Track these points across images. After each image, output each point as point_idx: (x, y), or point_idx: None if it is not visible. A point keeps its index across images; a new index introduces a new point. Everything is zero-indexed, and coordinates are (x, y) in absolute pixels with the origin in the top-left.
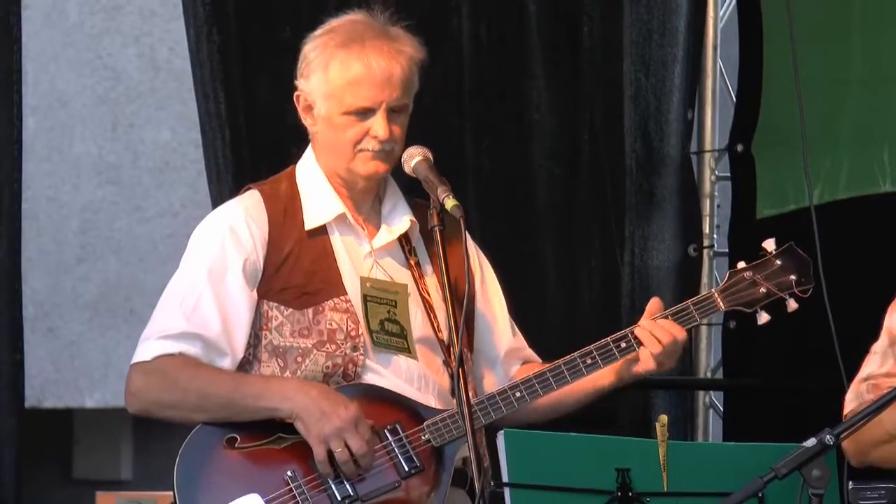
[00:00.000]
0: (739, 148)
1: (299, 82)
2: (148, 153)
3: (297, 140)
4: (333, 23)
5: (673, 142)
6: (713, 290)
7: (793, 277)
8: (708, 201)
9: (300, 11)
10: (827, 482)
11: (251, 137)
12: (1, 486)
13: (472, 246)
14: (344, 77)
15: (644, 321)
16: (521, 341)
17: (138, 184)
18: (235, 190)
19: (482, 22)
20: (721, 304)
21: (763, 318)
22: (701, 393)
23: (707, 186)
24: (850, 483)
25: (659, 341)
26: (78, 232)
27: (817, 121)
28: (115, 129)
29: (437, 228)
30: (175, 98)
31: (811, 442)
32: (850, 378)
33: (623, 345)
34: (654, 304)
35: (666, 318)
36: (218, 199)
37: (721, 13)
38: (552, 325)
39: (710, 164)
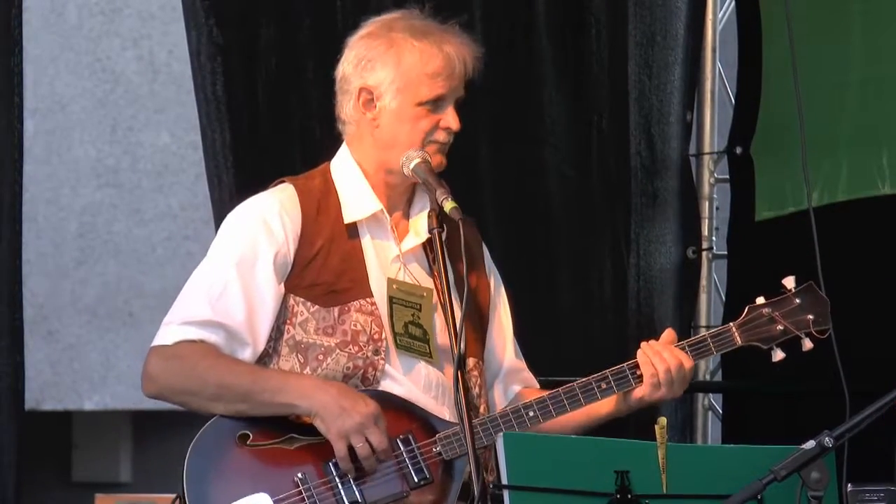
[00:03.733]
0: (738, 150)
1: (360, 77)
2: (147, 156)
3: (301, 141)
4: (384, 22)
5: (674, 144)
6: (731, 324)
7: (810, 317)
8: (707, 203)
9: (302, 12)
10: (826, 484)
11: (252, 139)
12: (1, 489)
13: (488, 261)
14: (423, 68)
15: (651, 343)
16: (522, 362)
17: (137, 187)
18: (236, 192)
19: (493, 25)
20: (738, 338)
21: (778, 355)
22: (700, 395)
23: (706, 188)
24: (849, 485)
25: (655, 366)
26: (77, 235)
27: (816, 123)
28: (114, 132)
29: (436, 231)
30: (174, 101)
31: (810, 444)
32: (849, 380)
33: (639, 372)
34: (667, 335)
35: (683, 349)
36: (218, 201)
37: (720, 15)
38: (565, 328)
39: (709, 166)
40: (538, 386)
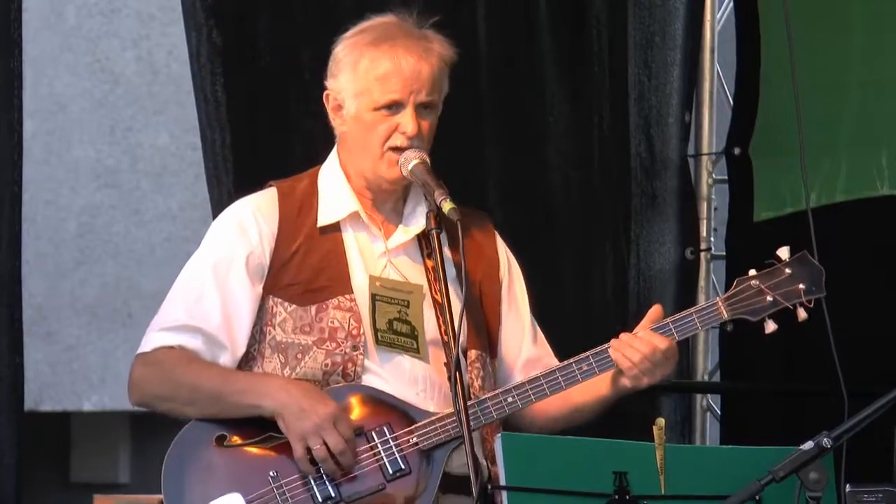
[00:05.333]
0: (737, 151)
1: (329, 82)
2: (146, 157)
3: (300, 142)
4: (365, 24)
5: (673, 145)
6: (717, 298)
7: (802, 286)
8: (705, 204)
9: (302, 13)
10: (824, 485)
11: (252, 140)
12: (1, 490)
13: (504, 252)
14: (373, 73)
15: (621, 337)
16: (543, 349)
17: (136, 187)
18: (235, 192)
19: (495, 26)
20: (724, 312)
21: (770, 327)
22: (698, 396)
23: (704, 189)
24: (848, 486)
25: (629, 359)
26: (76, 235)
27: (815, 123)
28: (113, 133)
29: (434, 231)
30: (173, 101)
31: (808, 445)
32: (847, 381)
33: None
34: (654, 311)
35: (666, 327)
36: (217, 202)
37: (718, 16)
38: (568, 328)
39: (708, 167)
40: None
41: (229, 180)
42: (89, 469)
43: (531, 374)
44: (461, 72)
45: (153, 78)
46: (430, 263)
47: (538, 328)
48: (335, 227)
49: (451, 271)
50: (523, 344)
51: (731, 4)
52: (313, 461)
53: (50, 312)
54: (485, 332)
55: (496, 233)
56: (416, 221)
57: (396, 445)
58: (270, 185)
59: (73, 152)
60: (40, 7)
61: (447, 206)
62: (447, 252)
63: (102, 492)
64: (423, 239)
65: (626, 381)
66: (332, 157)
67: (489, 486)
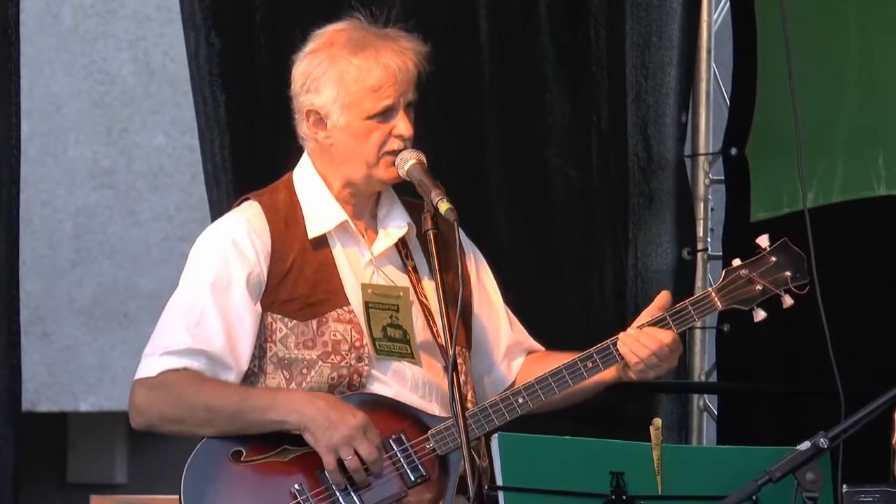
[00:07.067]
0: (733, 151)
1: (306, 98)
2: (142, 157)
3: (298, 143)
4: (327, 36)
5: (670, 145)
6: (710, 289)
7: (788, 273)
8: (702, 204)
9: (302, 12)
10: (821, 485)
11: (250, 140)
12: None
13: (467, 244)
14: (363, 83)
15: (628, 332)
16: (521, 333)
17: (132, 188)
18: (234, 192)
19: (495, 26)
20: (718, 303)
21: (759, 315)
22: (695, 396)
23: (701, 190)
24: (844, 486)
25: (636, 354)
26: (72, 236)
27: (812, 124)
28: (109, 133)
29: (430, 232)
30: (169, 102)
31: (805, 445)
32: (844, 381)
33: None
34: (661, 298)
35: (664, 320)
36: (216, 202)
37: (715, 16)
38: (568, 328)
39: (704, 167)
40: (543, 349)
41: (228, 181)
42: (86, 469)
43: (538, 375)
44: (461, 72)
45: (149, 79)
46: (410, 266)
47: (512, 314)
48: (323, 239)
49: (425, 273)
50: (501, 331)
51: (728, 5)
52: (344, 472)
53: (47, 313)
54: (465, 325)
55: (458, 233)
56: (394, 224)
57: (415, 452)
58: (248, 200)
59: (70, 153)
60: (37, 8)
61: (444, 206)
62: (421, 254)
63: (99, 492)
64: (400, 243)
65: (631, 375)
66: (306, 166)
67: (486, 487)
